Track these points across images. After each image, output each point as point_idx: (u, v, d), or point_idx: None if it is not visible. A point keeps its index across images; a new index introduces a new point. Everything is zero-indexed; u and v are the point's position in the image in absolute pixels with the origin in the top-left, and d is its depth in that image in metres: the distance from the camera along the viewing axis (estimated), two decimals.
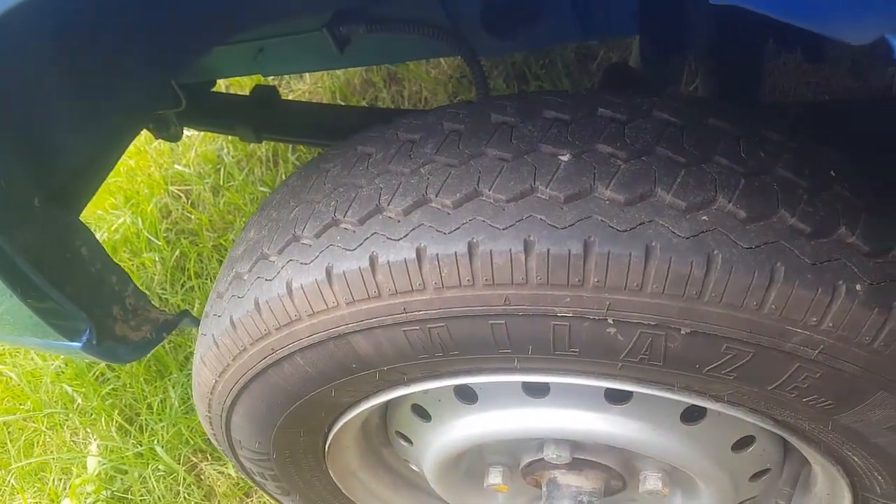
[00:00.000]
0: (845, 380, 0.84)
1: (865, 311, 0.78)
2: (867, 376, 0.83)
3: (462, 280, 0.85)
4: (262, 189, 2.82)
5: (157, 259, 2.77)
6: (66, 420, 2.54)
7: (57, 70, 1.03)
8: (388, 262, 0.87)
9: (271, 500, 1.60)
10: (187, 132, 2.86)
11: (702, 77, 1.62)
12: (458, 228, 0.84)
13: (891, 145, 1.17)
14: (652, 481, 1.22)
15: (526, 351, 0.91)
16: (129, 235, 2.89)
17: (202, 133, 3.05)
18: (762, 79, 1.49)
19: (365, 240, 0.90)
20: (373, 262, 0.88)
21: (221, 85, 3.01)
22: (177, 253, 2.74)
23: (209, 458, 2.30)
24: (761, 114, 1.03)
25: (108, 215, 2.99)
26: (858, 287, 0.78)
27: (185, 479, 2.25)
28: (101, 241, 1.36)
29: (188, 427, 2.32)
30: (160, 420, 2.37)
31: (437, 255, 0.85)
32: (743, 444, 1.14)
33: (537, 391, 1.13)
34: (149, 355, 2.29)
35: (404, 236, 0.87)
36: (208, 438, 1.52)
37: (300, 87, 3.13)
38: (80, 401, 2.53)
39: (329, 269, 0.91)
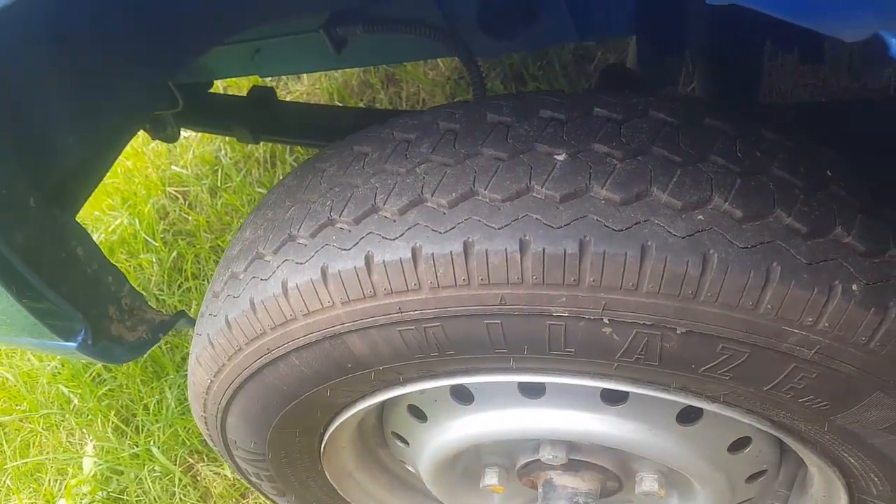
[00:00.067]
0: (841, 380, 0.84)
1: (862, 311, 0.78)
2: (863, 377, 0.83)
3: (458, 280, 0.85)
4: (259, 190, 2.82)
5: (154, 260, 2.77)
6: (63, 421, 2.53)
7: (53, 70, 1.03)
8: (384, 261, 0.87)
9: (267, 502, 1.60)
10: (185, 133, 2.85)
11: (699, 78, 1.61)
12: (454, 228, 0.84)
13: (888, 146, 1.17)
14: (648, 482, 1.22)
15: (521, 351, 0.91)
16: (126, 236, 2.89)
17: (200, 134, 3.05)
18: (761, 79, 1.49)
19: (360, 239, 0.90)
20: (368, 261, 0.88)
21: (219, 86, 3.00)
22: (174, 254, 2.74)
23: (205, 459, 2.30)
24: (758, 113, 1.03)
25: (105, 216, 2.99)
26: (855, 287, 0.78)
27: (181, 480, 2.25)
28: (98, 242, 1.35)
29: (185, 428, 2.32)
30: (156, 421, 2.37)
31: (432, 254, 0.85)
32: (739, 445, 1.14)
33: (533, 392, 1.13)
34: (145, 356, 2.29)
35: (400, 236, 0.87)
36: (204, 439, 1.51)
37: (298, 89, 3.13)
38: (76, 401, 2.53)
39: (325, 268, 0.91)
